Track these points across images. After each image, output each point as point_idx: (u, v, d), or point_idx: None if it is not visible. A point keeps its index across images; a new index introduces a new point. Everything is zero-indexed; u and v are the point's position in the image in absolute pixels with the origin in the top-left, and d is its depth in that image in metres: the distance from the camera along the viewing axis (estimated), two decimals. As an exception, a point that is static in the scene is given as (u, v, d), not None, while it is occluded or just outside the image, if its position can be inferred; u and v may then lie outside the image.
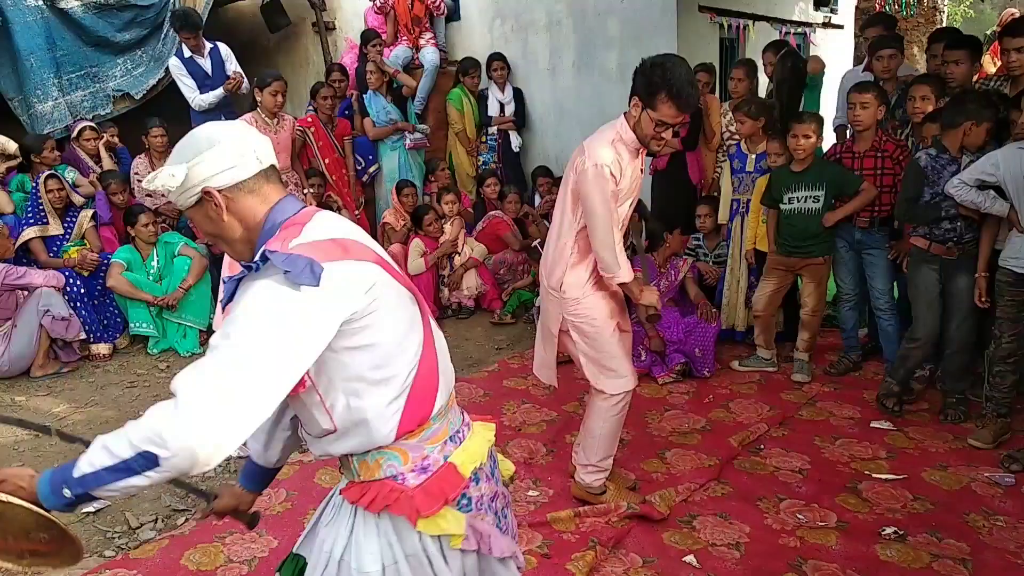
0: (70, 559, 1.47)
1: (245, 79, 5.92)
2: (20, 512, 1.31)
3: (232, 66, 5.96)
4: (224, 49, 5.95)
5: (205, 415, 1.19)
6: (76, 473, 1.25)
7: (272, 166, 1.48)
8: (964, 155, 3.47)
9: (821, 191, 4.01)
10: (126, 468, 1.21)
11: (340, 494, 1.60)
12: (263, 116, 5.29)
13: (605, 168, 2.64)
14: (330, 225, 1.44)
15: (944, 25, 8.42)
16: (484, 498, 1.58)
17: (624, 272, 2.73)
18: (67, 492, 1.26)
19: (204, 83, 5.77)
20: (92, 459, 1.24)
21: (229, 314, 1.32)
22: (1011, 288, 3.30)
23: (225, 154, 1.39)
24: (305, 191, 5.60)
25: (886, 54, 4.42)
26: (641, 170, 2.84)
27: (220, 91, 5.78)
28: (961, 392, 3.68)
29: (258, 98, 5.28)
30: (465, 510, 1.53)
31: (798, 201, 4.07)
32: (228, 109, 5.91)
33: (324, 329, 1.32)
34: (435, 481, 1.50)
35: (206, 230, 1.48)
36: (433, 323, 1.59)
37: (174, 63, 5.78)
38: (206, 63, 5.83)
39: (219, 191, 1.40)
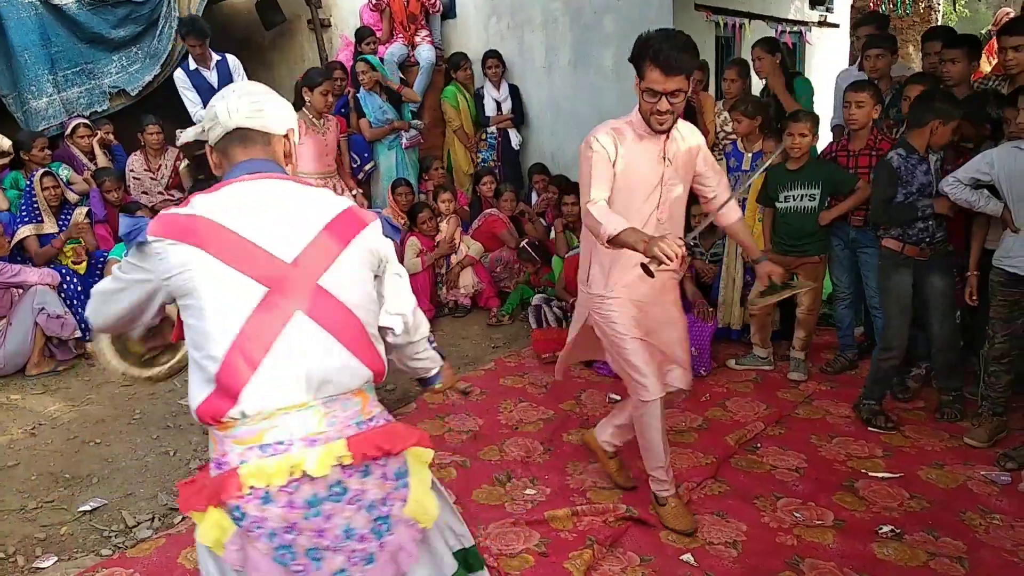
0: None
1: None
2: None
3: (239, 80, 5.67)
4: (232, 62, 5.69)
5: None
6: None
7: (241, 129, 1.66)
8: (930, 154, 3.47)
9: (817, 189, 4.02)
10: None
11: None
12: (310, 116, 5.11)
13: (593, 140, 2.59)
14: (219, 199, 1.57)
15: (939, 24, 8.46)
16: (268, 523, 1.44)
17: (608, 225, 2.38)
18: None
19: (208, 97, 5.46)
20: None
21: None
22: (1004, 288, 3.31)
23: (209, 114, 1.69)
24: (353, 193, 5.55)
25: (873, 53, 4.44)
26: (665, 158, 2.66)
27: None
28: (956, 390, 3.68)
29: (307, 98, 5.06)
30: (237, 523, 1.45)
31: (794, 200, 4.08)
32: None
33: (138, 290, 1.58)
34: (215, 481, 1.47)
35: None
36: (301, 320, 1.51)
37: (179, 75, 5.56)
38: (212, 76, 5.54)
39: (210, 146, 1.70)
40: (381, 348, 1.67)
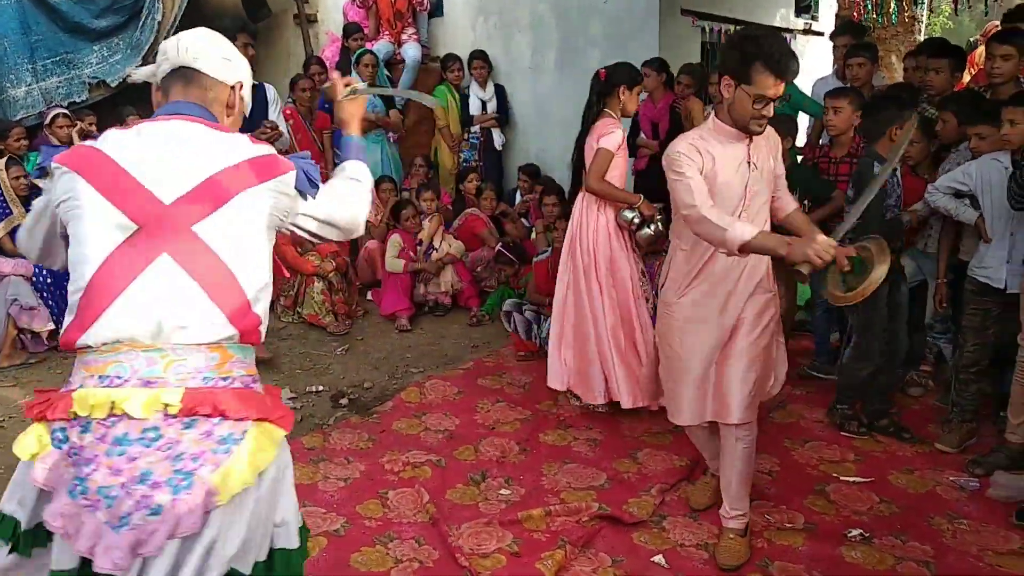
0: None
1: (285, 130, 4.91)
2: None
3: (273, 113, 4.91)
4: (271, 92, 4.89)
5: None
6: None
7: (184, 68, 1.70)
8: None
9: (793, 194, 4.03)
10: None
11: None
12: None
13: (676, 154, 2.44)
14: (126, 135, 1.62)
15: (923, 34, 8.55)
16: (84, 452, 1.43)
17: (736, 231, 2.25)
18: None
19: (247, 129, 4.85)
20: None
21: None
22: (976, 297, 3.35)
23: (162, 48, 1.74)
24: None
25: (855, 62, 4.46)
26: (750, 163, 2.53)
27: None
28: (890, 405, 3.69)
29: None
30: (56, 445, 1.46)
31: None
32: None
33: (47, 216, 1.66)
34: (51, 397, 1.50)
35: None
36: (167, 263, 1.51)
37: None
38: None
39: (157, 86, 1.76)
40: (260, 308, 1.61)
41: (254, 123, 4.71)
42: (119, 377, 1.46)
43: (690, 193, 2.38)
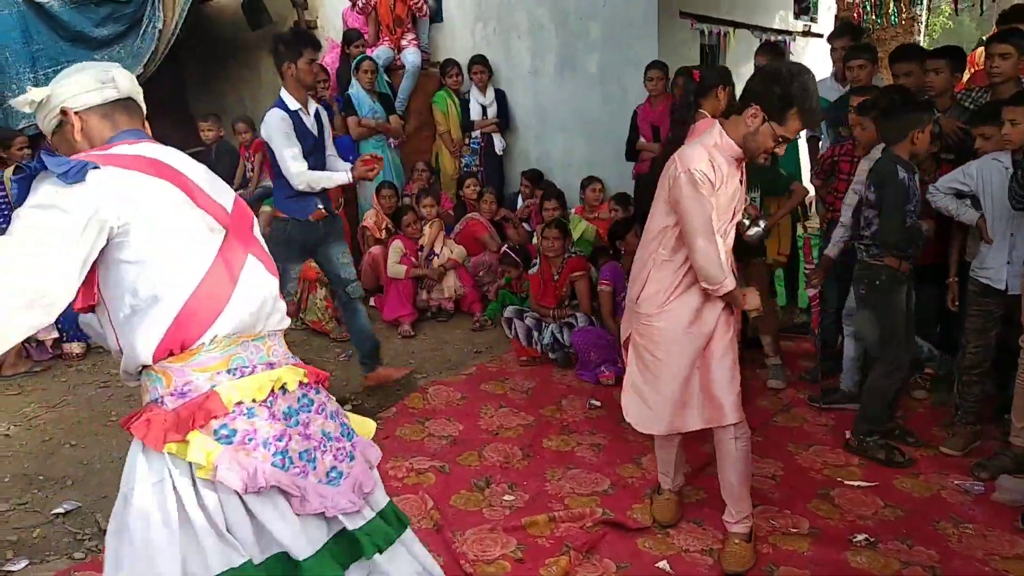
0: None
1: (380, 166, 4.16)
2: None
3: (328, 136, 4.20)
4: (324, 115, 4.19)
5: None
6: None
7: (130, 99, 1.69)
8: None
9: (756, 192, 4.03)
10: None
11: None
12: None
13: (697, 173, 2.45)
14: (147, 147, 1.60)
15: (922, 35, 8.54)
16: (259, 434, 1.54)
17: (729, 282, 2.51)
18: None
19: (307, 147, 3.94)
20: None
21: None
22: (978, 298, 3.35)
23: (86, 79, 1.61)
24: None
25: (855, 64, 4.46)
26: (741, 182, 2.62)
27: (343, 175, 4.01)
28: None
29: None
30: (225, 442, 1.50)
31: None
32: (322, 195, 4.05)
33: (85, 221, 1.42)
34: (188, 406, 1.50)
35: (63, 152, 1.63)
36: (253, 259, 1.68)
37: (278, 115, 3.83)
38: (310, 121, 4.00)
39: (75, 112, 1.60)
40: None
41: (318, 147, 4.06)
42: (245, 366, 1.60)
43: (701, 220, 2.47)
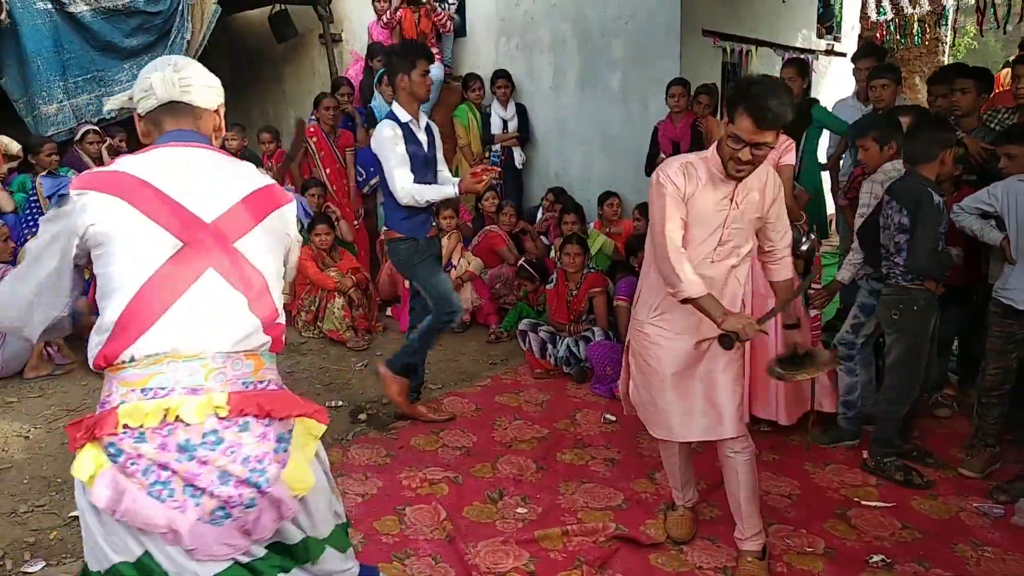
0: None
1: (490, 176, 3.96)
2: None
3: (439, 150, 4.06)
4: (435, 128, 4.09)
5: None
6: None
7: (173, 103, 1.75)
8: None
9: None
10: None
11: None
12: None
13: (662, 175, 2.50)
14: (144, 160, 1.67)
15: (947, 56, 8.49)
16: (143, 459, 1.50)
17: (687, 287, 2.41)
18: None
19: (417, 162, 3.82)
20: None
21: None
22: (1000, 319, 3.31)
23: (137, 88, 1.77)
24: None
25: (879, 84, 4.46)
26: (733, 200, 2.52)
27: (451, 188, 3.83)
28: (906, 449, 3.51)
29: None
30: (112, 460, 1.52)
31: None
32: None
33: (63, 240, 1.61)
34: (94, 417, 1.54)
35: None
36: (212, 274, 1.61)
37: (389, 127, 3.76)
38: (421, 134, 3.88)
39: (139, 116, 1.79)
40: (282, 318, 1.76)
41: (429, 162, 3.93)
42: (162, 388, 1.54)
43: (672, 220, 2.48)
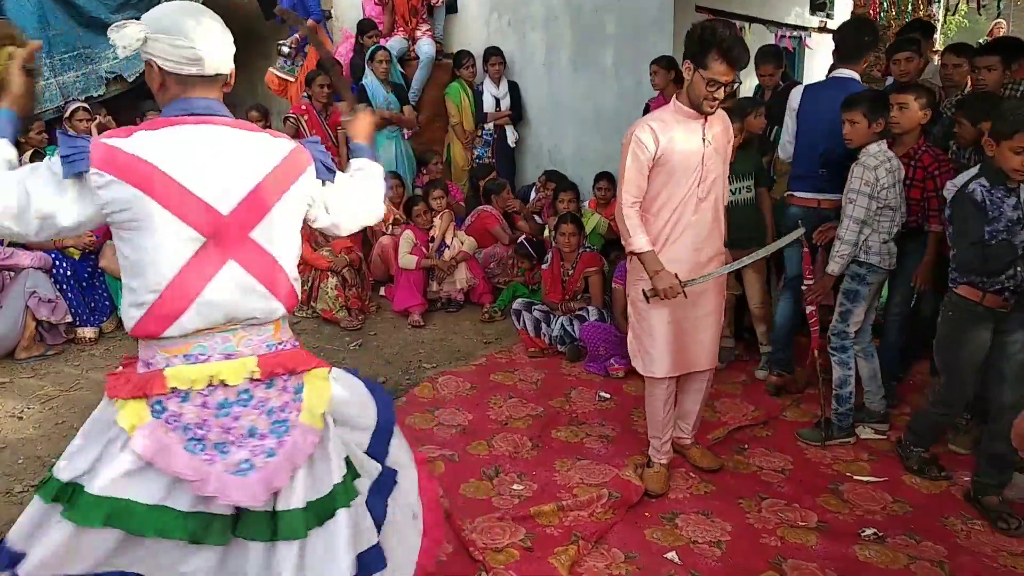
0: None
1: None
2: None
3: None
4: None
5: None
6: None
7: (216, 75, 1.77)
8: (1022, 185, 2.85)
9: (751, 180, 4.11)
10: None
11: None
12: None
13: (633, 138, 2.83)
14: (163, 141, 1.66)
15: (939, 33, 8.47)
16: (184, 418, 1.68)
17: (635, 241, 2.85)
18: None
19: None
20: None
21: None
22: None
23: (183, 55, 1.71)
24: None
25: (903, 57, 4.39)
26: (704, 139, 2.87)
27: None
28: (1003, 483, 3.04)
29: None
30: (155, 416, 1.66)
31: (734, 193, 4.01)
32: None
33: (73, 202, 1.62)
34: (142, 377, 1.69)
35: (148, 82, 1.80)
36: (234, 271, 1.72)
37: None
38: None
39: (160, 69, 1.74)
40: (297, 286, 1.89)
41: None
42: (202, 354, 1.72)
43: (631, 183, 2.86)
